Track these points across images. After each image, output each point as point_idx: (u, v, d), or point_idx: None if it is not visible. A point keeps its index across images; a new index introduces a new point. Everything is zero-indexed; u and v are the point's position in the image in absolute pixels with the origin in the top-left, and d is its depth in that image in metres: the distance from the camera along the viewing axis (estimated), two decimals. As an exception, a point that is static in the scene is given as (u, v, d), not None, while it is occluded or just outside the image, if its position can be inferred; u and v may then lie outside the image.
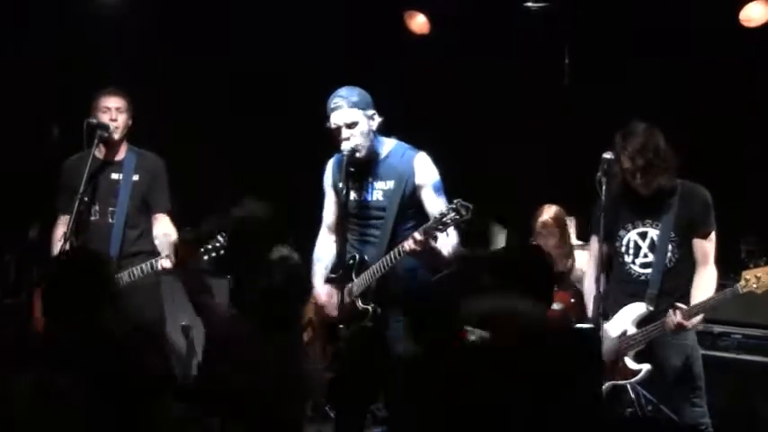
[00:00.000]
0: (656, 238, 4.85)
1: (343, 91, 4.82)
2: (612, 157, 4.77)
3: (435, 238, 4.54)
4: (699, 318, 4.74)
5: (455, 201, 4.48)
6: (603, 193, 4.74)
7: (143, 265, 5.32)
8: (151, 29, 7.37)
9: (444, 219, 4.45)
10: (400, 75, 7.24)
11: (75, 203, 5.24)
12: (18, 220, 6.89)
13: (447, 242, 4.66)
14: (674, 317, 4.69)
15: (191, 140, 7.45)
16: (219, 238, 5.14)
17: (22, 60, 7.02)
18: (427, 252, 4.58)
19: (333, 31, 7.42)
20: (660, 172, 4.77)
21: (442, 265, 4.75)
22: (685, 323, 4.69)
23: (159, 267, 5.27)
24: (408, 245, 4.55)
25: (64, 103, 6.21)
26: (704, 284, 4.78)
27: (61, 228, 5.42)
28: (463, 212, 4.42)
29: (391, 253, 4.65)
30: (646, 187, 4.81)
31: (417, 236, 4.52)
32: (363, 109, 4.78)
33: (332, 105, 4.80)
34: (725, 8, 6.88)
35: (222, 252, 5.13)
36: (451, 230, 4.54)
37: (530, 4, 7.14)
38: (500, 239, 7.06)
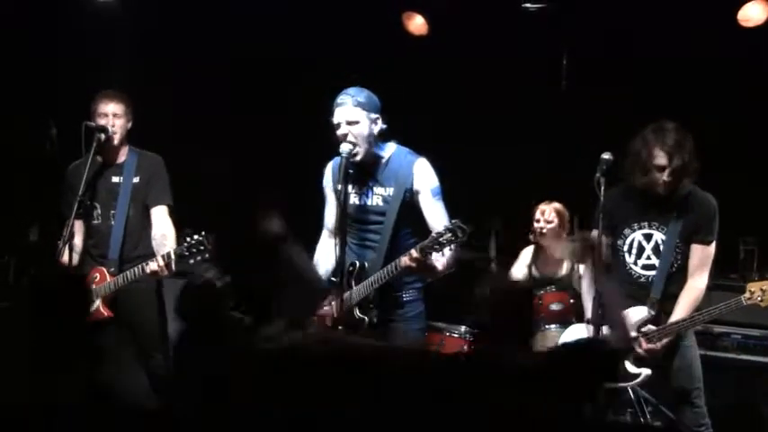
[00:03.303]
0: (660, 242, 4.82)
1: (352, 89, 4.79)
2: (611, 157, 4.73)
3: (431, 256, 4.56)
4: None
5: (453, 221, 4.50)
6: (602, 193, 4.71)
7: (135, 269, 5.31)
8: (149, 28, 7.38)
9: (441, 239, 4.46)
10: (398, 76, 7.23)
11: (74, 207, 5.22)
12: (17, 221, 6.89)
13: (442, 258, 4.65)
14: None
15: (190, 140, 7.44)
16: (200, 237, 5.10)
17: (20, 60, 7.02)
18: (422, 267, 4.61)
19: (331, 32, 7.42)
20: (689, 174, 4.73)
21: (435, 278, 4.78)
22: None
23: (148, 271, 5.23)
24: (405, 261, 4.57)
25: (62, 104, 6.20)
26: (688, 298, 4.77)
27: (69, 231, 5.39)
28: (459, 234, 4.44)
29: (388, 267, 4.65)
30: (668, 186, 4.74)
31: (414, 253, 4.53)
32: (368, 111, 4.75)
33: (338, 101, 4.78)
34: (724, 8, 6.88)
35: (207, 254, 5.09)
36: (447, 249, 4.55)
37: (528, 5, 7.13)
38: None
